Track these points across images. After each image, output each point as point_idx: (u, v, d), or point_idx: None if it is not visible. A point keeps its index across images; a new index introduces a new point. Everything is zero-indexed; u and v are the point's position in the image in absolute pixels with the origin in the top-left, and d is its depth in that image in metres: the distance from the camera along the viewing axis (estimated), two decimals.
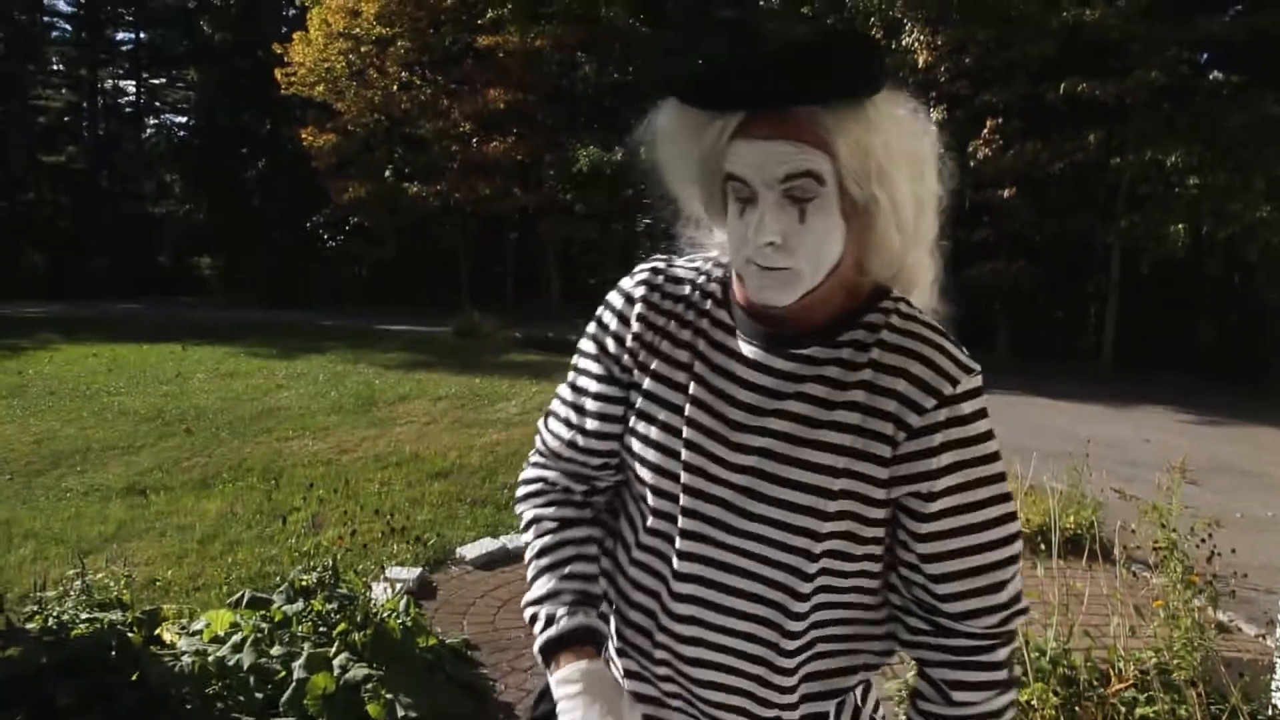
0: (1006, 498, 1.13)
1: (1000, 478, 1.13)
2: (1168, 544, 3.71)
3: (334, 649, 3.19)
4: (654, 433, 1.18)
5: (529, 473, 1.32)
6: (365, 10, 22.72)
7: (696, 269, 1.23)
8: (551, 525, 1.26)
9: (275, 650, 3.20)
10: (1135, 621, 3.52)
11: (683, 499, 1.15)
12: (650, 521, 1.19)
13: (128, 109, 36.59)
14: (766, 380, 1.14)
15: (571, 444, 1.25)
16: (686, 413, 1.15)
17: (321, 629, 3.37)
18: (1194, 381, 16.28)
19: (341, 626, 3.29)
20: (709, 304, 1.20)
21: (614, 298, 1.25)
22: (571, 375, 1.28)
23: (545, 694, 1.26)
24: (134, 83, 35.69)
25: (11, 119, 29.97)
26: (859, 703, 1.26)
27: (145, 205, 34.54)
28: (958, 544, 1.11)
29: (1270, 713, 3.10)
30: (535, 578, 1.23)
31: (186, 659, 3.14)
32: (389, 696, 3.01)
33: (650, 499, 1.19)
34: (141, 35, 35.43)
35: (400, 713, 3.00)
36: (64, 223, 33.10)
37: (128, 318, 18.35)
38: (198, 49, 32.34)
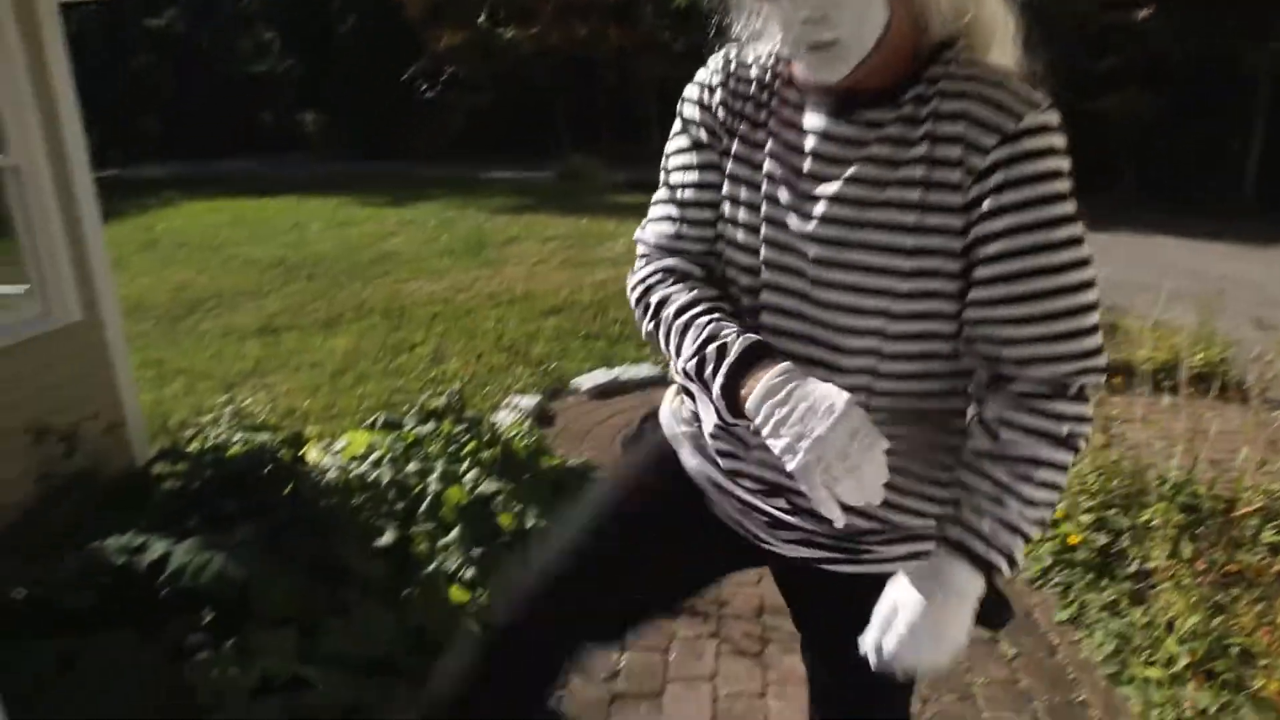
0: (1076, 242, 1.08)
1: (1070, 220, 1.08)
2: None
3: (464, 466, 3.38)
4: (741, 214, 1.21)
5: (641, 272, 1.29)
6: None
7: (763, 53, 1.25)
8: (684, 294, 1.21)
9: (411, 467, 3.42)
10: (1265, 455, 3.43)
11: (763, 273, 1.19)
12: (744, 301, 1.23)
13: None
14: (832, 148, 1.14)
15: (677, 236, 1.27)
16: (764, 189, 1.19)
17: (451, 449, 3.57)
18: None
19: (471, 446, 3.47)
20: (778, 84, 1.22)
21: (691, 90, 1.28)
22: (664, 175, 1.30)
23: (647, 418, 1.42)
24: None
25: None
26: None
27: (245, 65, 34.88)
28: (1018, 289, 1.07)
29: None
30: (684, 333, 1.18)
31: (331, 474, 3.39)
32: (519, 508, 3.20)
33: (741, 279, 1.23)
34: None
35: (530, 523, 3.19)
36: (170, 86, 33.81)
37: (240, 175, 18.93)
38: None
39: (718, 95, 1.24)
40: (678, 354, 1.19)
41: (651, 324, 1.25)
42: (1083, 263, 1.09)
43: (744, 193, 1.21)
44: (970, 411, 1.18)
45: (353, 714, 2.37)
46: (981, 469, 1.10)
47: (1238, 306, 5.93)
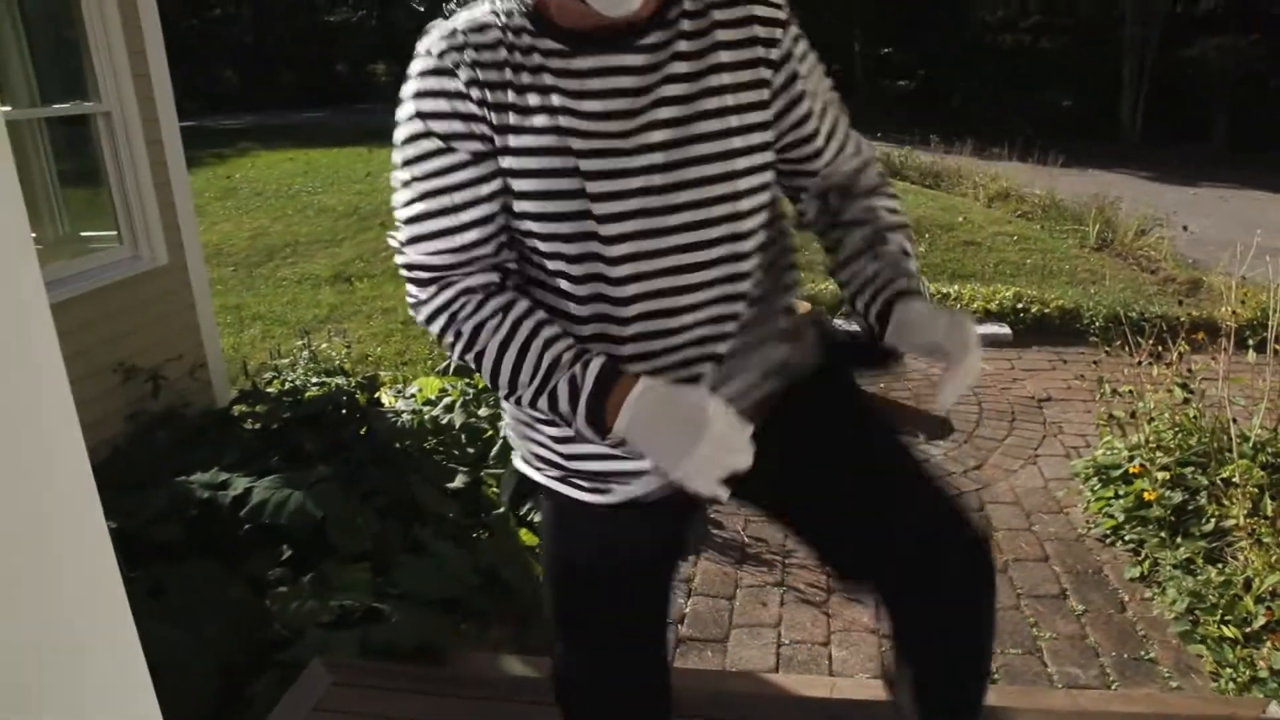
0: None
1: None
2: None
3: None
4: (545, 184, 1.11)
5: (437, 300, 1.15)
6: None
7: (488, 13, 1.13)
8: (500, 318, 1.13)
9: (482, 412, 3.49)
10: None
11: (603, 228, 1.12)
12: (572, 269, 1.14)
13: None
14: (629, 80, 1.12)
15: (465, 249, 1.13)
16: (573, 146, 1.10)
17: None
18: None
19: None
20: (527, 39, 1.11)
21: (427, 81, 1.11)
22: (420, 186, 1.13)
23: (520, 479, 1.32)
24: None
25: None
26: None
27: (320, 15, 35.17)
28: (841, 124, 1.30)
29: None
30: (518, 364, 1.12)
31: (406, 416, 3.48)
32: None
33: (565, 247, 1.13)
34: None
35: None
36: (248, 38, 34.30)
37: (314, 125, 19.17)
38: None
39: (464, 75, 1.10)
40: (512, 385, 1.14)
41: (471, 355, 1.15)
42: None
43: (540, 161, 1.11)
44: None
45: (425, 648, 2.46)
46: (885, 241, 1.27)
47: None
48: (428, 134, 1.12)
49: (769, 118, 1.18)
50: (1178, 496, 3.09)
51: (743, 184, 1.16)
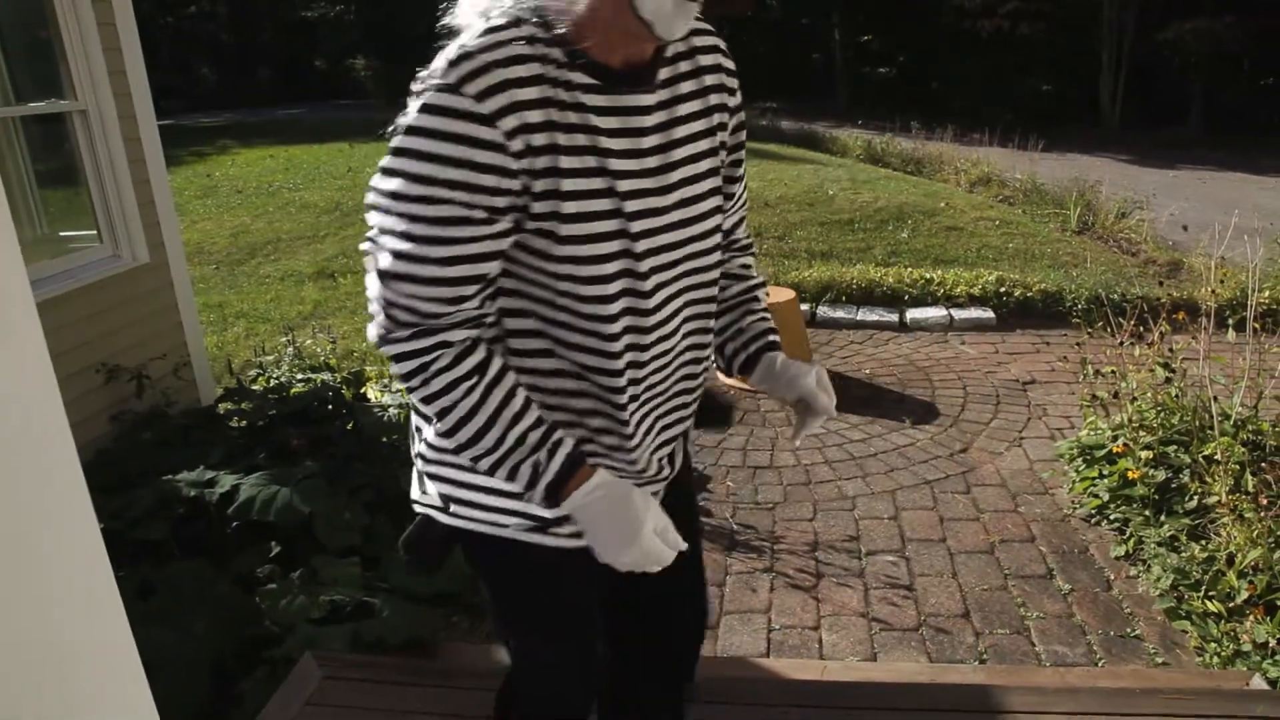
0: None
1: None
2: None
3: None
4: (595, 226, 1.10)
5: (413, 344, 1.08)
6: None
7: (520, 43, 1.04)
8: (476, 380, 1.10)
9: None
10: None
11: (640, 264, 1.13)
12: (609, 308, 1.13)
13: None
14: (652, 119, 1.14)
15: (453, 299, 1.07)
16: (619, 188, 1.10)
17: None
18: None
19: None
20: (565, 73, 1.06)
21: (456, 125, 1.00)
22: (422, 228, 1.03)
23: (426, 524, 1.31)
24: None
25: None
26: None
27: (298, 11, 34.90)
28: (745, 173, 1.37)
29: None
30: (482, 431, 1.11)
31: (392, 410, 3.47)
32: None
33: (606, 288, 1.12)
34: None
35: None
36: (225, 35, 34.00)
37: (294, 122, 19.04)
38: None
39: (511, 143, 1.02)
40: (469, 446, 1.12)
41: (434, 407, 1.10)
42: None
43: (595, 204, 1.09)
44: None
45: (416, 642, 2.46)
46: (754, 298, 1.43)
47: None
48: (446, 183, 1.02)
49: (723, 162, 1.27)
50: (1161, 475, 3.12)
51: (712, 223, 1.23)
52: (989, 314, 5.51)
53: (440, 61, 1.03)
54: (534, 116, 1.03)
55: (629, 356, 1.17)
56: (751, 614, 2.75)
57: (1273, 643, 2.35)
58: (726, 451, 3.83)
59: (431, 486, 1.28)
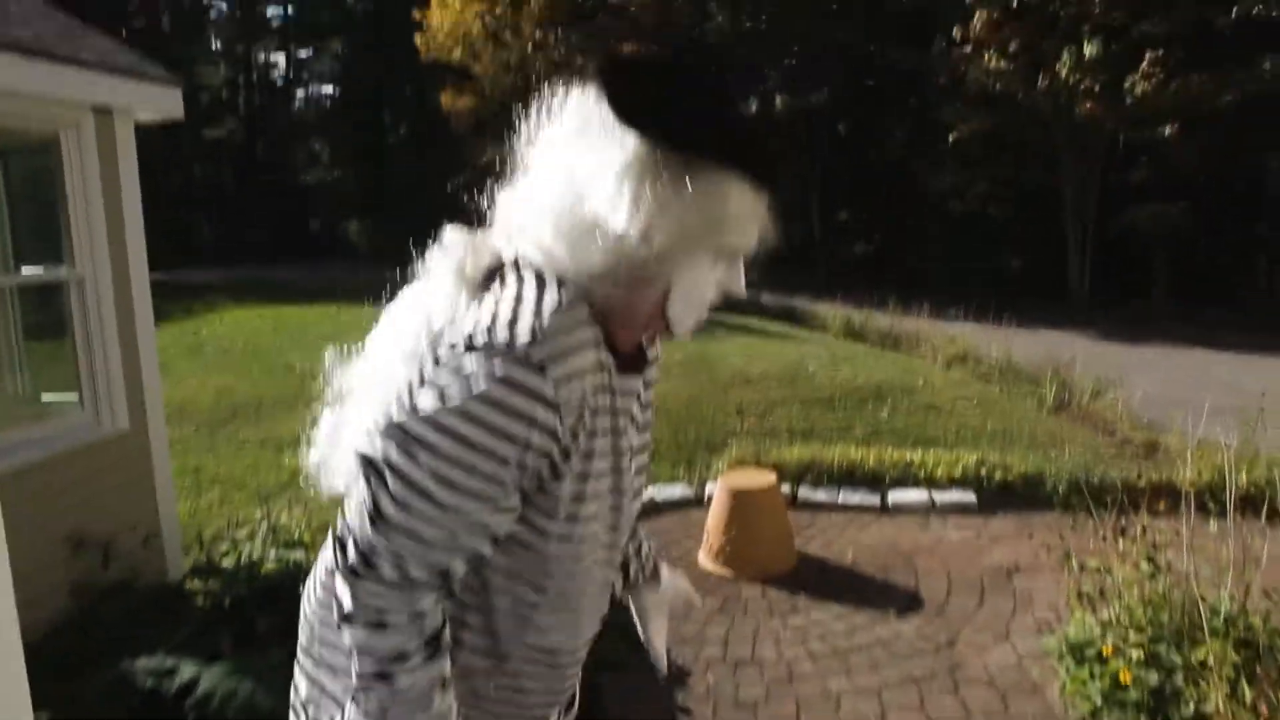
0: None
1: None
2: None
3: None
4: (605, 502, 1.18)
5: (382, 604, 1.03)
6: None
7: (587, 333, 1.07)
8: (428, 701, 1.06)
9: None
10: None
11: (609, 533, 1.22)
12: (574, 566, 1.17)
13: (279, 82, 38.46)
14: (636, 404, 1.23)
15: (443, 572, 1.05)
16: (621, 465, 1.18)
17: None
18: None
19: None
20: (603, 353, 1.11)
21: (520, 402, 0.99)
22: (444, 495, 1.00)
23: None
24: (284, 56, 37.47)
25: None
26: None
27: (297, 174, 36.31)
28: None
29: None
30: None
31: None
32: None
33: (598, 552, 1.21)
34: (289, 9, 37.10)
35: None
36: (226, 193, 35.21)
37: (286, 281, 19.44)
38: (342, 20, 33.61)
39: (560, 428, 1.03)
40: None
41: (374, 667, 1.05)
42: None
43: (608, 479, 1.16)
44: None
45: None
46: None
47: (1278, 421, 5.81)
48: (499, 459, 1.00)
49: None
50: (1154, 678, 3.04)
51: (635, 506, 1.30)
52: (970, 497, 5.50)
53: (513, 330, 1.00)
54: (588, 405, 1.07)
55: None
56: None
57: None
58: (707, 644, 3.72)
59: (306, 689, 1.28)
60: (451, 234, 1.18)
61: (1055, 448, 6.70)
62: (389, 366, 1.15)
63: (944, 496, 5.49)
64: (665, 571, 1.57)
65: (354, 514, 1.06)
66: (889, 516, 5.33)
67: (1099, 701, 3.11)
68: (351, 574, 1.04)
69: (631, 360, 1.18)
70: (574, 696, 1.38)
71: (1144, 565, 3.45)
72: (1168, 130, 16.97)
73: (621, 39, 22.51)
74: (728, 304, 1.29)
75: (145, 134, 4.38)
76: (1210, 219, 19.06)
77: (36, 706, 2.47)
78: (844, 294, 16.08)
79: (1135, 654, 3.15)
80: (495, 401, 0.98)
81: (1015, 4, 17.98)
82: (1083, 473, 5.53)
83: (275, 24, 37.66)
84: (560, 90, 1.10)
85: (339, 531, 1.08)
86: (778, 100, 23.07)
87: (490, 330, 1.01)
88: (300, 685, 1.28)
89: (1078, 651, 3.41)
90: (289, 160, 36.82)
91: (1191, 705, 2.89)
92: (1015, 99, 18.52)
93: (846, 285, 18.21)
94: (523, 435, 1.00)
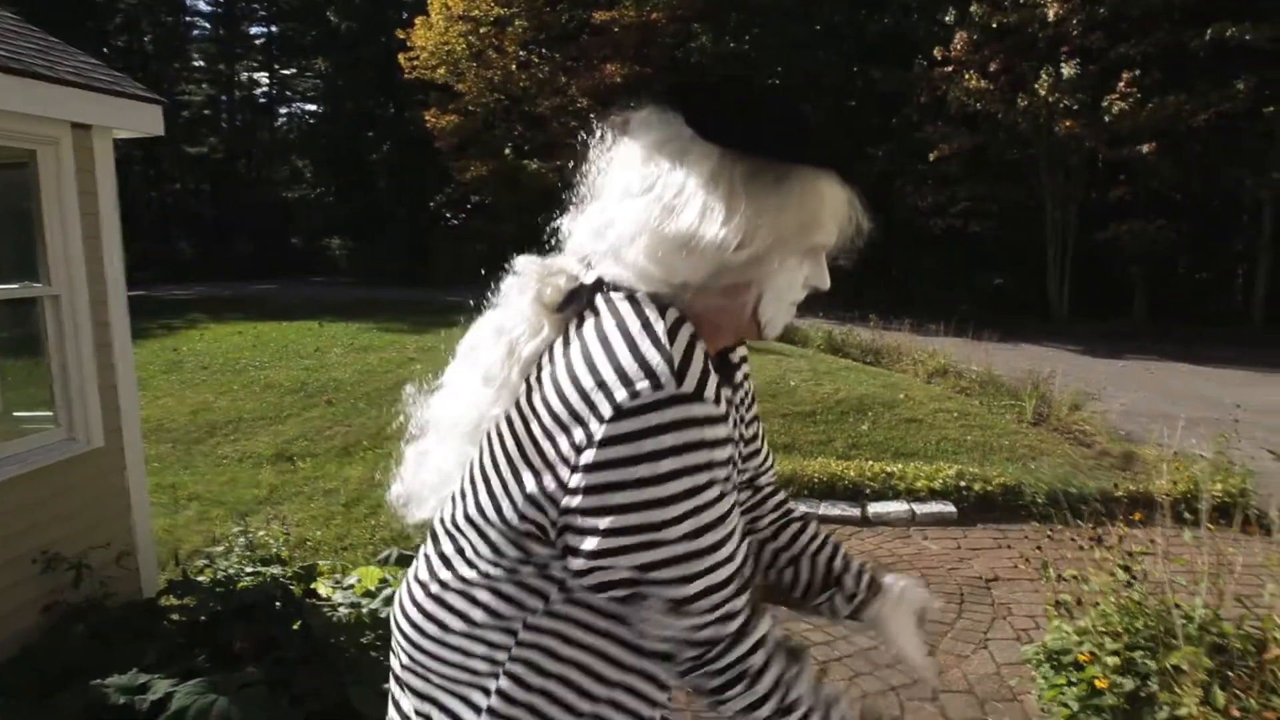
0: None
1: None
2: None
3: None
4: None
5: (735, 655, 1.12)
6: None
7: (699, 346, 1.09)
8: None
9: None
10: None
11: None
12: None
13: (261, 100, 38.40)
14: (738, 405, 1.33)
15: (746, 584, 1.13)
16: (738, 465, 1.26)
17: None
18: None
19: None
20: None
21: (719, 430, 1.04)
22: (716, 533, 1.06)
23: None
24: (267, 74, 37.44)
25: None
26: None
27: (279, 191, 36.18)
28: None
29: None
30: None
31: (343, 610, 3.35)
32: None
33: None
34: (273, 28, 37.09)
35: None
36: (207, 210, 35.06)
37: (267, 297, 19.34)
38: (325, 39, 33.61)
39: (729, 418, 1.11)
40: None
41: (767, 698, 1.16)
42: None
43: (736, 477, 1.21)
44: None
45: None
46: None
47: (1252, 434, 5.88)
48: (710, 483, 1.04)
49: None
50: (1129, 684, 3.05)
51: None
52: (950, 508, 5.53)
53: (652, 372, 1.02)
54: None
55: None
56: None
57: None
58: None
59: None
60: (524, 262, 1.21)
61: (1034, 460, 6.74)
62: (473, 396, 1.19)
63: (924, 508, 5.51)
64: (888, 579, 1.47)
65: (674, 623, 1.08)
66: (869, 528, 5.35)
67: (1075, 708, 3.12)
68: (723, 672, 1.11)
69: (720, 364, 1.20)
70: None
71: (1120, 574, 3.47)
72: (1145, 149, 17.19)
73: (604, 60, 22.66)
74: None
75: (123, 151, 4.36)
76: (1188, 236, 19.31)
77: None
78: (826, 309, 16.16)
79: (1111, 660, 3.17)
80: (680, 447, 1.01)
81: (994, 25, 18.22)
82: (1061, 484, 5.57)
83: (259, 42, 37.67)
84: (618, 120, 1.14)
85: (697, 654, 1.11)
86: None
87: (630, 382, 1.01)
88: None
89: (1055, 659, 3.43)
90: (272, 177, 36.72)
91: (1166, 710, 2.90)
92: (995, 118, 18.73)
93: (828, 301, 18.27)
94: (723, 455, 1.05)
